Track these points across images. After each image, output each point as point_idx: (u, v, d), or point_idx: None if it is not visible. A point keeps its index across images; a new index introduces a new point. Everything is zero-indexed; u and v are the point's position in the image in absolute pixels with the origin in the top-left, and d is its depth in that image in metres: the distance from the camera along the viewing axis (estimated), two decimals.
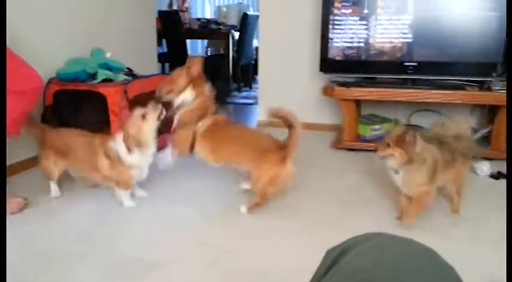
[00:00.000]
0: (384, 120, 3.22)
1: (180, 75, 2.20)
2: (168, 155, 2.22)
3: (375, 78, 3.07)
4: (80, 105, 2.83)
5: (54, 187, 2.24)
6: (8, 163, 2.42)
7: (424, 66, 2.93)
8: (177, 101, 2.20)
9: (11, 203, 2.04)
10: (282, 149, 1.99)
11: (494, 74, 2.78)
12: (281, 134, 2.04)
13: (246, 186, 2.20)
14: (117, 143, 2.01)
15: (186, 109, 2.19)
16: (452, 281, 0.67)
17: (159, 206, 2.17)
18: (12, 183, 2.38)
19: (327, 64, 3.13)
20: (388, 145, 1.81)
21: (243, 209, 2.05)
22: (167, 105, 2.17)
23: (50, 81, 2.63)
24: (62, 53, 2.80)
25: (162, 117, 2.07)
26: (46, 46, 2.73)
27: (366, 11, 2.98)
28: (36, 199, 2.17)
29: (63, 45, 2.87)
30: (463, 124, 2.05)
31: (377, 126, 3.12)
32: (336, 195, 2.30)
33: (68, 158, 2.13)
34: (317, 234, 1.87)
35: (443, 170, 1.87)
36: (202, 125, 2.15)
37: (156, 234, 1.88)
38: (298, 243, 1.81)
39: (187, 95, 2.19)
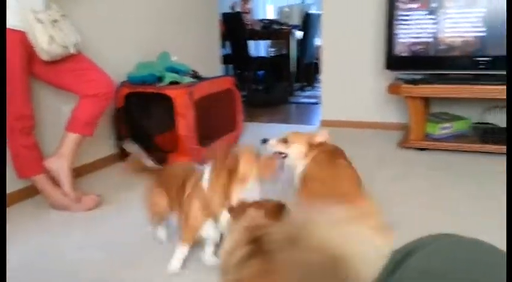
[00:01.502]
0: (454, 118, 3.07)
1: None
2: None
3: (444, 74, 2.94)
4: (148, 107, 2.95)
5: None
6: (81, 163, 2.58)
7: (497, 61, 2.76)
8: None
9: (86, 201, 2.17)
10: None
11: None
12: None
13: None
14: None
15: None
16: None
17: None
18: (85, 182, 2.53)
19: (392, 61, 3.04)
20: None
21: None
22: None
23: (121, 85, 2.76)
24: (133, 58, 2.94)
25: None
26: (118, 52, 2.87)
27: (434, 5, 2.86)
28: (109, 197, 2.28)
29: (133, 51, 3.01)
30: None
31: (447, 125, 2.98)
32: (400, 195, 2.23)
33: None
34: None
35: None
36: None
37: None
38: None
39: None
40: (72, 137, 2.13)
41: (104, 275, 1.61)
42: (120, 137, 2.83)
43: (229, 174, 1.51)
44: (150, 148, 2.82)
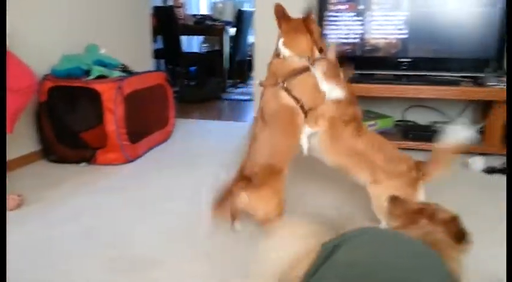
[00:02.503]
0: (379, 116, 3.23)
1: None
2: None
3: (370, 74, 3.08)
4: (74, 101, 2.83)
5: None
6: None
7: (418, 62, 2.94)
8: None
9: (7, 201, 2.04)
10: None
11: (488, 70, 2.79)
12: None
13: None
14: None
15: None
16: (442, 274, 0.68)
17: (160, 203, 2.17)
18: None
19: None
20: None
21: None
22: None
23: (44, 78, 2.62)
24: (57, 50, 2.79)
25: None
26: (41, 43, 2.72)
27: (361, 7, 2.98)
28: (32, 196, 2.17)
29: (57, 42, 2.86)
30: None
31: (372, 122, 3.13)
32: (330, 188, 2.31)
33: None
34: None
35: None
36: None
37: (157, 231, 1.88)
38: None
39: None
40: None
41: (21, 277, 1.53)
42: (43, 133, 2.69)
43: None
44: (76, 145, 2.71)
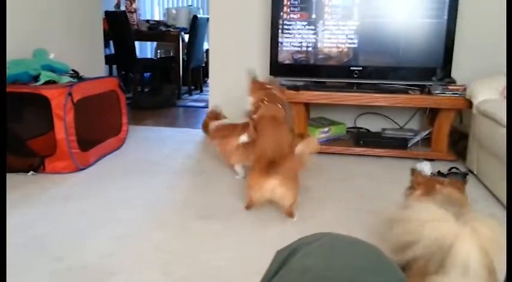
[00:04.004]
0: (332, 123, 3.29)
1: None
2: None
3: (323, 82, 3.14)
4: (22, 108, 2.72)
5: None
6: None
7: (368, 71, 3.03)
8: None
9: None
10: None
11: (434, 79, 2.92)
12: None
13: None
14: None
15: None
16: (396, 278, 0.70)
17: (112, 211, 2.12)
18: None
19: (276, 68, 3.17)
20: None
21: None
22: None
23: None
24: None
25: None
26: None
27: (313, 16, 3.05)
28: None
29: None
30: None
31: (325, 129, 3.19)
32: None
33: None
34: (266, 237, 1.88)
35: None
36: None
37: (108, 241, 1.83)
38: (253, 246, 1.82)
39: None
40: None
41: None
42: None
43: None
44: (23, 153, 2.60)
